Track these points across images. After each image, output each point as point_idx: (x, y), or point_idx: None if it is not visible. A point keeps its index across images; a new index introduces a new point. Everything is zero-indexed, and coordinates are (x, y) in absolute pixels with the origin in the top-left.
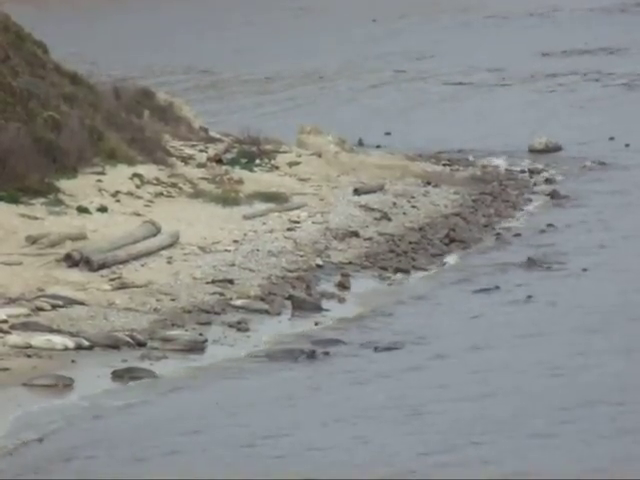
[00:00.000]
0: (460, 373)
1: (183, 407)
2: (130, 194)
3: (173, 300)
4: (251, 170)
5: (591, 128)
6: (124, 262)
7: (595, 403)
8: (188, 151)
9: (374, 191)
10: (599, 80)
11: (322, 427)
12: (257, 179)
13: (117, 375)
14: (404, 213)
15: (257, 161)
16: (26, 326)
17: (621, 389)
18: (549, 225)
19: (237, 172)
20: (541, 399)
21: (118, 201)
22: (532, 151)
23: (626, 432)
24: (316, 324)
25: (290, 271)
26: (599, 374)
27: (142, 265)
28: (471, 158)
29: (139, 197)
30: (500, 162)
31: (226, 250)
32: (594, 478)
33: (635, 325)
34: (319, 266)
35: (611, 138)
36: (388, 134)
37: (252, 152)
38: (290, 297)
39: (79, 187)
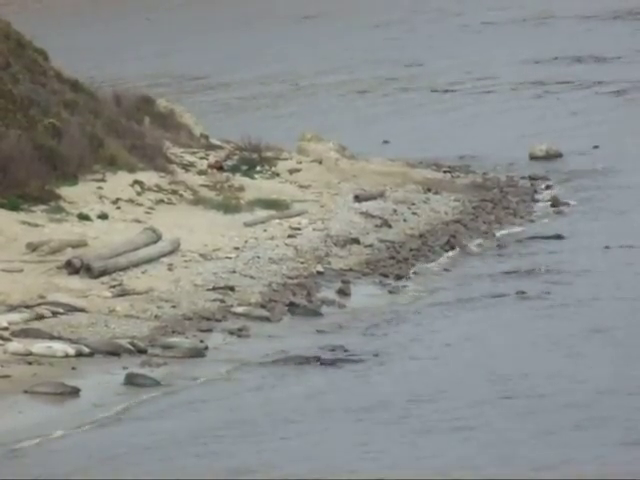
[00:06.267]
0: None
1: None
2: (131, 201)
3: (174, 307)
4: (252, 177)
5: (585, 135)
6: (125, 269)
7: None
8: (189, 158)
9: (375, 198)
10: (590, 87)
11: None
12: (258, 186)
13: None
14: (405, 220)
15: (258, 168)
16: (27, 333)
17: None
18: (550, 232)
19: (238, 179)
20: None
21: (119, 208)
22: (533, 158)
23: None
24: (317, 331)
25: (291, 278)
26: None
27: (143, 272)
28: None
29: (140, 204)
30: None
31: (227, 257)
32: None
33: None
34: (320, 273)
35: (595, 146)
36: (386, 142)
37: (253, 159)
38: (291, 304)
39: (80, 194)
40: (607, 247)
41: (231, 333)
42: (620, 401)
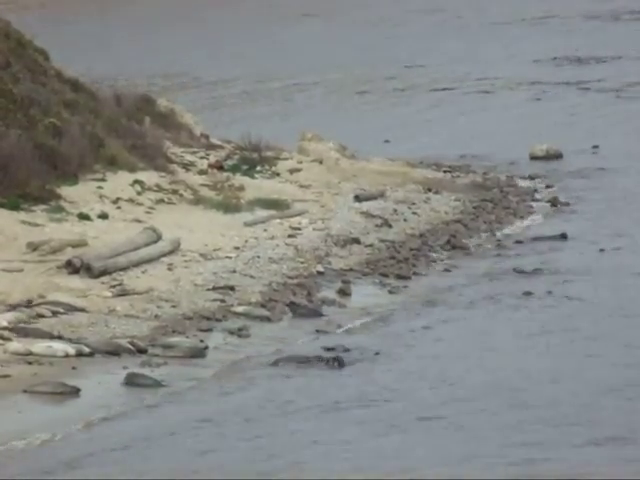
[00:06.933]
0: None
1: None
2: (131, 201)
3: (174, 307)
4: (252, 177)
5: (585, 135)
6: (125, 269)
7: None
8: (189, 158)
9: (375, 198)
10: (590, 87)
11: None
12: (258, 186)
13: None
14: (405, 220)
15: (258, 168)
16: (27, 333)
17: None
18: (550, 232)
19: (238, 179)
20: None
21: (119, 208)
22: (533, 158)
23: None
24: (317, 331)
25: (291, 278)
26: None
27: (143, 272)
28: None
29: (140, 204)
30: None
31: (227, 257)
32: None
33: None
34: (320, 273)
35: (595, 146)
36: (387, 142)
37: (253, 159)
38: (291, 304)
39: (80, 194)
40: (607, 248)
41: (231, 333)
42: (614, 401)
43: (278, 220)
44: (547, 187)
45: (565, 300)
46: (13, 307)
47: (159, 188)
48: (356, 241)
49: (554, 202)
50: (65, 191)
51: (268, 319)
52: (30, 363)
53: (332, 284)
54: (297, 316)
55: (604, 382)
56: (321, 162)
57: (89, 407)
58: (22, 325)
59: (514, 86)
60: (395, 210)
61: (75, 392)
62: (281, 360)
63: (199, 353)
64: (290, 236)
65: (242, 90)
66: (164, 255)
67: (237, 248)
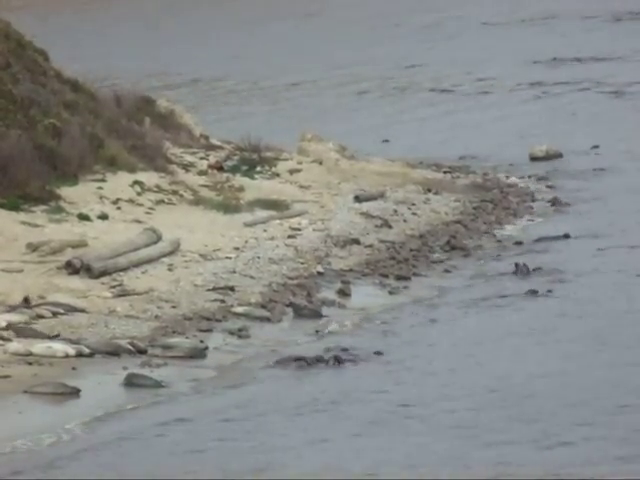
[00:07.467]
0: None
1: None
2: (131, 201)
3: (174, 307)
4: (252, 177)
5: (585, 135)
6: (125, 269)
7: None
8: (189, 158)
9: (375, 198)
10: (590, 87)
11: None
12: (258, 186)
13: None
14: (405, 220)
15: (258, 168)
16: (27, 333)
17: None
18: (551, 232)
19: (238, 179)
20: None
21: (119, 208)
22: (533, 158)
23: None
24: (317, 331)
25: (291, 278)
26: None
27: (143, 272)
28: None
29: (140, 204)
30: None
31: (227, 257)
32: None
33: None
34: (320, 273)
35: (595, 146)
36: (386, 141)
37: (253, 159)
38: (291, 304)
39: (80, 194)
40: (607, 247)
41: (231, 333)
42: (613, 401)
43: (278, 221)
44: (547, 187)
45: (565, 300)
46: (13, 308)
47: (159, 189)
48: (356, 242)
49: (554, 202)
50: (65, 192)
51: (268, 320)
52: (30, 364)
53: (332, 285)
54: (297, 317)
55: (603, 382)
56: (321, 163)
57: (89, 407)
58: (22, 325)
59: (514, 86)
60: (395, 211)
61: (75, 393)
62: (281, 360)
63: (199, 354)
64: (290, 237)
65: (241, 90)
66: (164, 256)
67: (237, 249)
